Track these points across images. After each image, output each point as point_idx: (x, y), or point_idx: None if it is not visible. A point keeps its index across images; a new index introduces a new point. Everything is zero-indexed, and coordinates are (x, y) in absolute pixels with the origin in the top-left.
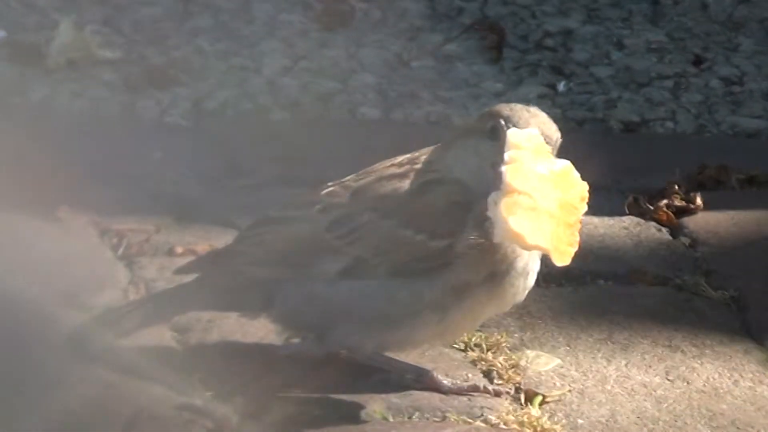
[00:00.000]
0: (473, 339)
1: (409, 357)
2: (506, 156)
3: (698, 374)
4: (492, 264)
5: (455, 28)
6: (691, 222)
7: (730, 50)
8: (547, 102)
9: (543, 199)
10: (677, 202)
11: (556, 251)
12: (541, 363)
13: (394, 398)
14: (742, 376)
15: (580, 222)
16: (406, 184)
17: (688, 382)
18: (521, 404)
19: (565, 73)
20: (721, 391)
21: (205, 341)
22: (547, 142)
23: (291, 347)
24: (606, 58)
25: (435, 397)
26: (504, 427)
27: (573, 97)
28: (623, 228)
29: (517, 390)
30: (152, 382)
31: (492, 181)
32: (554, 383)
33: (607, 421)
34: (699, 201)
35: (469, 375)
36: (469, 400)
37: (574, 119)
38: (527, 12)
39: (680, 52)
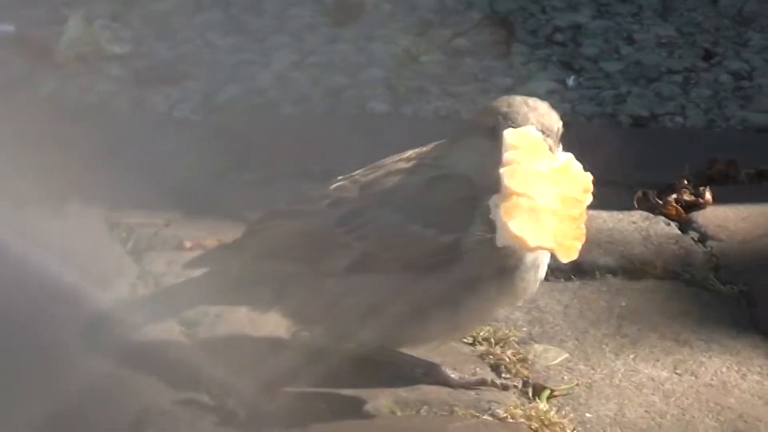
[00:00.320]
0: (481, 333)
1: (417, 351)
2: (504, 158)
3: (706, 368)
4: (501, 259)
5: (465, 22)
6: (700, 216)
7: (739, 45)
8: (557, 97)
9: (543, 197)
10: (686, 197)
11: (561, 248)
12: (549, 357)
13: (403, 392)
14: (750, 371)
15: (586, 213)
16: (414, 179)
17: (696, 376)
18: (529, 398)
19: (575, 68)
20: (729, 385)
21: (213, 335)
22: (547, 135)
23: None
24: (616, 53)
25: (443, 392)
26: (512, 421)
27: (582, 92)
28: (632, 222)
29: (525, 384)
30: (160, 376)
31: (496, 178)
32: (562, 377)
33: (614, 415)
34: (708, 196)
35: (477, 369)
36: (477, 394)
37: (584, 114)
38: (537, 7)
39: (690, 47)
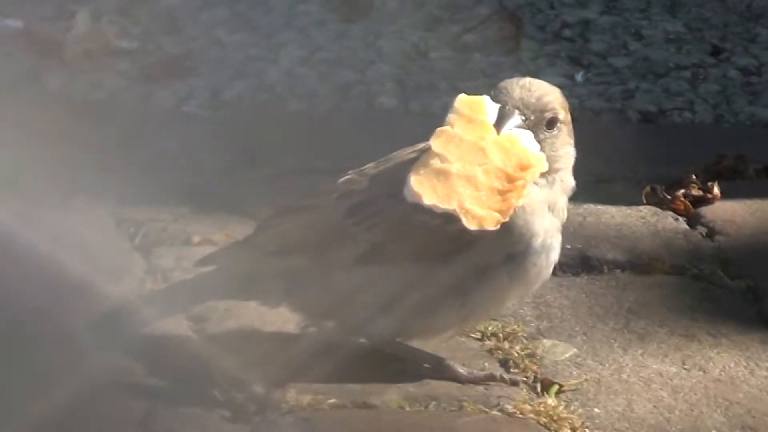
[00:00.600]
0: (490, 328)
1: (427, 346)
2: (446, 118)
3: (714, 363)
4: (509, 245)
5: (473, 18)
6: (709, 212)
7: (748, 41)
8: (565, 92)
9: (460, 162)
10: (695, 192)
11: (467, 214)
12: (558, 352)
13: (411, 387)
14: (758, 365)
15: (521, 190)
16: None
17: (704, 372)
18: (537, 393)
19: (583, 63)
20: (738, 380)
21: (221, 330)
22: (520, 112)
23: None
24: (624, 48)
25: (452, 387)
26: (521, 416)
27: (591, 87)
28: (640, 217)
29: (534, 379)
30: (170, 371)
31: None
32: (571, 372)
33: (623, 410)
34: (716, 191)
35: (486, 364)
36: (486, 389)
37: (592, 109)
38: (545, 2)
39: (698, 42)
